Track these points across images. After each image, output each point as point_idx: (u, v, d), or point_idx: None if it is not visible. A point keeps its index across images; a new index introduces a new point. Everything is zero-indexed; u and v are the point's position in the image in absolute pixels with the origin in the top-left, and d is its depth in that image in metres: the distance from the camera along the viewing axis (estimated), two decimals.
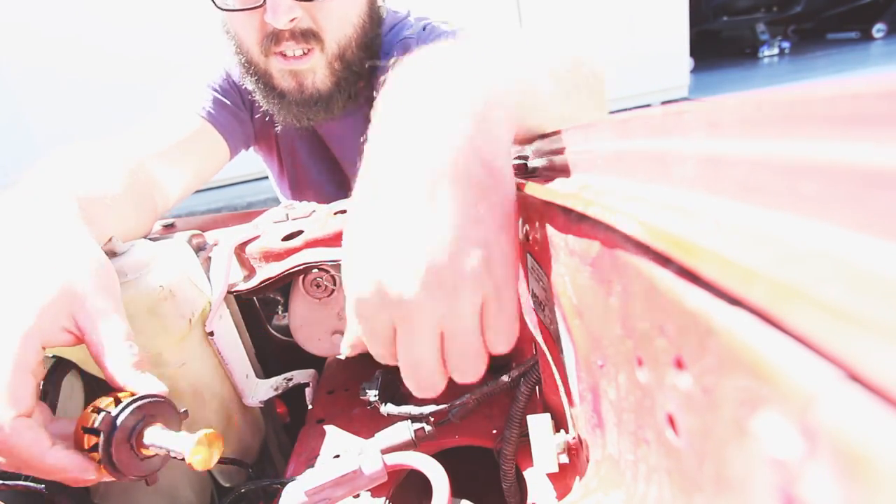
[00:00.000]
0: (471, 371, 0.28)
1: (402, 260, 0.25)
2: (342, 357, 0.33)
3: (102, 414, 0.31)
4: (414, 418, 0.43)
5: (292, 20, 0.64)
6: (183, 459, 0.31)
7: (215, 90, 0.78)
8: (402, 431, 0.42)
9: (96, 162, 0.50)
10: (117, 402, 0.32)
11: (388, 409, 0.44)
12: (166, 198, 0.62)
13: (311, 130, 0.86)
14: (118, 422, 0.31)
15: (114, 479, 0.32)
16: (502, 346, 0.28)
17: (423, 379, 0.28)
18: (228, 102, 0.79)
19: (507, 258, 0.26)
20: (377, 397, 0.45)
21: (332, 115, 0.76)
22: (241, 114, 0.81)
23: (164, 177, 0.62)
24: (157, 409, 0.33)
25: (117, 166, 0.52)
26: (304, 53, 0.68)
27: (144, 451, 0.32)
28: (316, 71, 0.70)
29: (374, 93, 0.31)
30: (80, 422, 0.32)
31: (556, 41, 0.41)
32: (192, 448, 0.31)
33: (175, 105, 0.75)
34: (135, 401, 0.32)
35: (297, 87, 0.71)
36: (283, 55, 0.68)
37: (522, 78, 0.32)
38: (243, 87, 0.80)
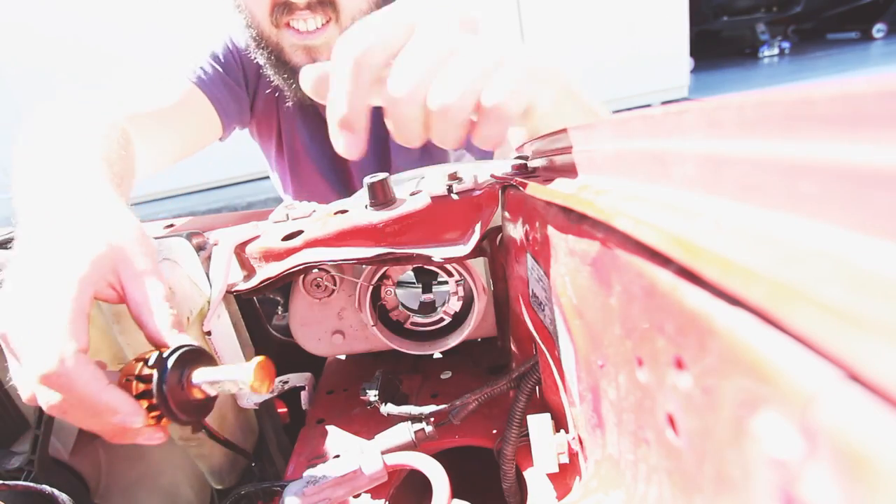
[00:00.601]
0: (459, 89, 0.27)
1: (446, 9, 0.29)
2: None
3: (155, 356, 0.32)
4: (414, 418, 0.43)
5: None
6: (238, 390, 0.31)
7: (215, 60, 0.76)
8: (403, 433, 0.42)
9: (79, 125, 0.48)
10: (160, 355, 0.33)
11: (388, 409, 0.44)
12: (139, 167, 0.58)
13: (315, 112, 0.84)
14: (169, 363, 0.31)
15: (159, 425, 0.32)
16: (493, 103, 0.28)
17: (419, 77, 0.28)
18: (227, 76, 0.76)
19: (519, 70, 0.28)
20: (377, 397, 0.45)
21: None
22: (240, 91, 0.79)
23: (141, 143, 0.58)
24: (198, 357, 0.34)
25: (94, 128, 0.49)
26: (319, 28, 0.66)
27: (195, 393, 0.33)
28: (330, 45, 0.68)
29: None
30: (124, 372, 0.32)
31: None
32: (254, 371, 0.31)
33: (168, 69, 0.73)
34: (180, 348, 0.33)
35: (309, 63, 0.70)
36: (297, 29, 0.66)
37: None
38: (247, 64, 0.79)
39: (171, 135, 0.66)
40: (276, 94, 0.83)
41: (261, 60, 0.73)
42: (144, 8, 2.75)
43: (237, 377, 0.31)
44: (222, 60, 0.77)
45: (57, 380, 0.29)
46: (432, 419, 0.43)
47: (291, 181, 0.91)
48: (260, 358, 0.32)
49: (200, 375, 0.32)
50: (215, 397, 0.34)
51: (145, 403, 0.32)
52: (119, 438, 0.33)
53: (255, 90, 0.82)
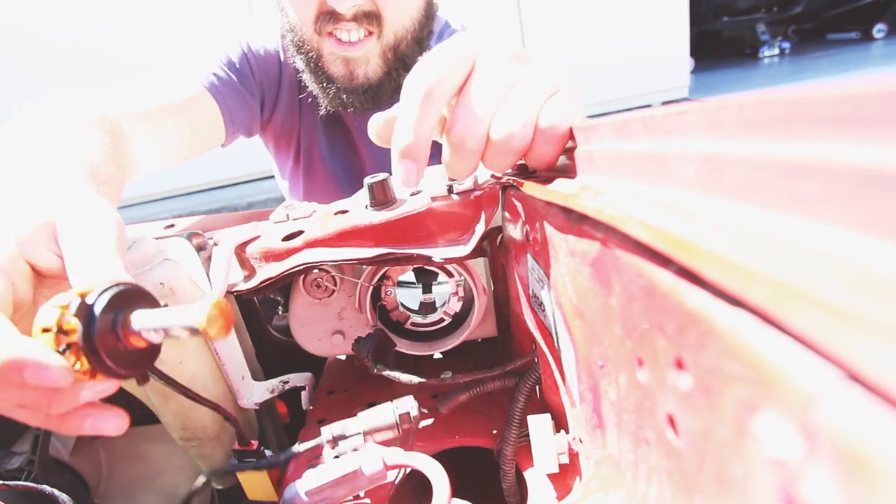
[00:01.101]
0: (517, 125, 0.29)
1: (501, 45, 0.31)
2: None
3: (76, 302, 0.25)
4: (402, 381, 0.42)
5: (355, 4, 0.63)
6: (189, 336, 0.25)
7: (230, 67, 0.75)
8: (387, 414, 0.41)
9: (75, 125, 0.46)
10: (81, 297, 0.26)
11: (379, 369, 0.43)
12: (136, 164, 0.55)
13: (338, 121, 0.84)
14: (97, 308, 0.25)
15: (93, 379, 0.26)
16: (548, 126, 0.29)
17: (475, 119, 0.29)
18: (240, 84, 0.75)
19: (571, 98, 0.30)
20: (370, 356, 0.44)
21: (378, 105, 0.73)
22: (251, 101, 0.78)
23: (139, 140, 0.56)
24: (134, 298, 0.27)
25: (75, 126, 0.45)
26: (360, 39, 0.66)
27: (134, 342, 0.26)
28: (369, 60, 0.69)
29: None
30: (39, 324, 0.25)
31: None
32: (208, 311, 0.24)
33: (180, 70, 0.72)
34: (112, 287, 0.26)
35: (347, 74, 0.70)
36: (339, 39, 0.66)
37: None
38: (265, 75, 0.78)
39: (176, 134, 0.65)
40: (300, 101, 0.82)
41: (299, 65, 0.73)
42: (146, 10, 2.75)
43: (187, 320, 0.25)
44: (237, 68, 0.76)
45: None
46: (422, 410, 0.43)
47: (304, 191, 0.91)
48: (216, 297, 0.25)
49: (140, 320, 0.26)
50: (159, 345, 0.28)
51: (73, 359, 0.25)
52: (56, 411, 0.27)
53: (275, 99, 0.82)
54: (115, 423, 0.29)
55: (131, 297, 0.27)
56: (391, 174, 0.44)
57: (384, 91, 0.72)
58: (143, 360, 0.28)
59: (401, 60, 0.71)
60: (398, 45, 0.69)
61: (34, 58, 2.77)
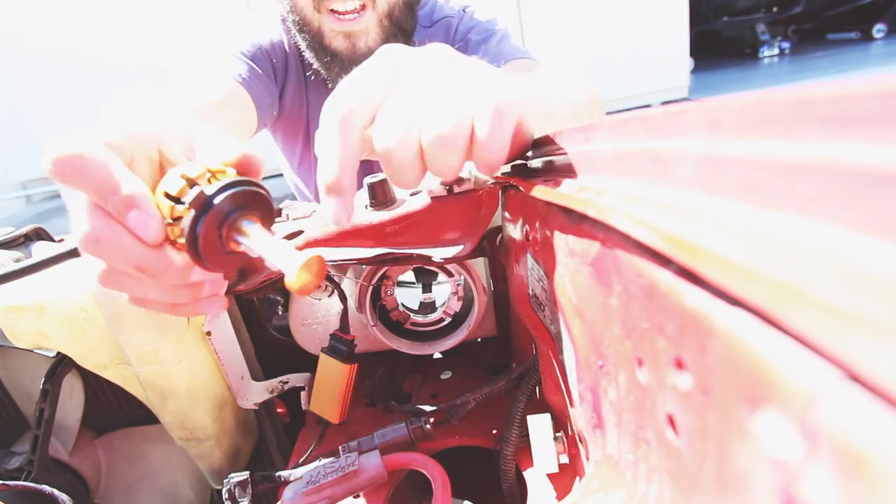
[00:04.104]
0: (447, 157, 0.27)
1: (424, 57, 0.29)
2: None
3: (194, 192, 0.26)
4: (415, 414, 0.43)
5: None
6: (275, 276, 0.26)
7: (248, 57, 0.78)
8: (400, 430, 0.42)
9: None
10: (210, 179, 0.27)
11: (390, 407, 0.44)
12: None
13: None
14: (214, 201, 0.26)
15: (184, 269, 0.28)
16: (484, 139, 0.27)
17: (402, 149, 0.27)
18: (261, 72, 0.79)
19: (509, 104, 0.27)
20: (379, 395, 0.45)
21: None
22: (271, 85, 0.81)
23: None
24: (256, 200, 0.28)
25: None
26: (357, 10, 0.69)
27: (233, 245, 0.28)
28: (369, 31, 0.72)
29: None
30: (161, 186, 0.27)
31: (571, 77, 0.49)
32: (301, 266, 0.25)
33: (210, 69, 0.75)
34: (235, 184, 0.27)
35: (349, 47, 0.73)
36: (336, 13, 0.69)
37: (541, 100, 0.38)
38: (275, 58, 0.81)
39: (224, 127, 0.68)
40: (306, 86, 0.85)
41: (302, 45, 0.76)
42: (144, 9, 2.75)
43: (281, 266, 0.26)
44: (253, 57, 0.79)
45: (72, 160, 0.25)
46: (432, 419, 0.43)
47: (313, 176, 0.93)
48: (314, 254, 0.26)
49: (246, 240, 0.27)
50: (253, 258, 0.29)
51: (177, 232, 0.27)
52: (168, 282, 0.29)
53: (283, 84, 0.84)
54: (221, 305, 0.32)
55: (251, 198, 0.28)
56: None
57: None
58: (236, 260, 0.29)
59: (397, 26, 0.74)
60: (392, 12, 0.72)
61: (37, 61, 2.76)
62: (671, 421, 0.17)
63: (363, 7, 0.70)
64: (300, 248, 0.43)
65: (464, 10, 0.85)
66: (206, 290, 0.32)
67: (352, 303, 0.49)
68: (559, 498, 0.38)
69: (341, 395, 0.46)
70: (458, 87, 0.28)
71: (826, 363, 0.09)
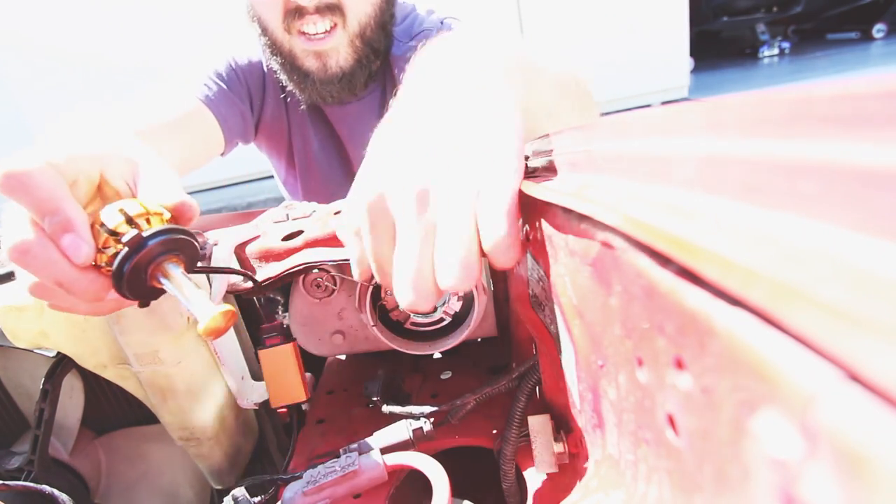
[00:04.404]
0: (455, 270, 0.27)
1: (405, 170, 0.28)
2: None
3: (131, 234, 0.29)
4: (415, 417, 0.43)
5: None
6: (189, 319, 0.30)
7: (219, 78, 0.78)
8: (401, 431, 0.42)
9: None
10: (148, 219, 0.30)
11: (390, 408, 0.44)
12: None
13: (324, 119, 0.86)
14: (148, 243, 0.29)
15: (102, 291, 0.30)
16: (491, 247, 0.27)
17: (417, 279, 0.28)
18: (230, 92, 0.79)
19: (501, 192, 0.27)
20: (379, 396, 0.45)
21: (354, 93, 0.77)
22: (243, 107, 0.81)
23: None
24: (184, 247, 0.31)
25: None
26: (327, 31, 0.69)
27: (154, 283, 0.30)
28: (339, 49, 0.72)
29: (388, 78, 0.34)
30: (100, 216, 0.30)
31: (556, 56, 0.48)
32: (214, 315, 0.28)
33: (174, 85, 0.75)
34: (169, 231, 0.30)
35: (321, 67, 0.73)
36: (306, 35, 0.69)
37: (529, 67, 0.37)
38: (251, 81, 0.81)
39: (179, 147, 0.68)
40: (286, 105, 0.85)
41: (274, 66, 0.76)
42: (144, 9, 2.75)
43: (195, 312, 0.29)
44: (225, 78, 0.79)
45: (19, 178, 0.29)
46: (432, 419, 0.43)
47: (302, 192, 0.93)
48: (228, 308, 0.29)
49: (168, 282, 0.30)
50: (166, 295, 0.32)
51: (104, 258, 0.29)
52: (84, 297, 0.31)
53: (261, 104, 0.85)
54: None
55: (181, 244, 0.31)
56: None
57: (357, 77, 0.76)
58: (152, 294, 0.31)
59: (369, 46, 0.74)
60: (364, 32, 0.72)
61: (36, 61, 2.76)
62: (671, 421, 0.17)
63: (334, 26, 0.69)
64: (300, 248, 0.43)
65: (441, 23, 0.84)
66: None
67: (352, 302, 0.49)
68: (559, 498, 0.38)
69: (296, 372, 0.46)
70: (445, 192, 0.27)
71: (826, 363, 0.09)
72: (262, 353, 0.46)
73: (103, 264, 0.30)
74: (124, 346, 0.44)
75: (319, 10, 0.67)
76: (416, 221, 0.27)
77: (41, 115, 2.79)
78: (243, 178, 3.13)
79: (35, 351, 0.50)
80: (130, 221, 0.29)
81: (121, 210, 0.30)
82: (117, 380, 0.47)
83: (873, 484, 0.08)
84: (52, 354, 0.49)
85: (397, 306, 0.50)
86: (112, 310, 0.34)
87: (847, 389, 0.09)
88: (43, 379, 0.47)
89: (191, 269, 0.32)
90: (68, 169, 0.31)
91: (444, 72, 0.32)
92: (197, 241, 0.32)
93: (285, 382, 0.46)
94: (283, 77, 0.77)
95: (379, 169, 0.29)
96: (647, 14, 3.07)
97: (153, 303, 0.41)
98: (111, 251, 0.29)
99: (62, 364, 0.48)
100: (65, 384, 0.49)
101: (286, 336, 0.46)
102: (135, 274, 0.29)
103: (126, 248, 0.29)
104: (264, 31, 0.72)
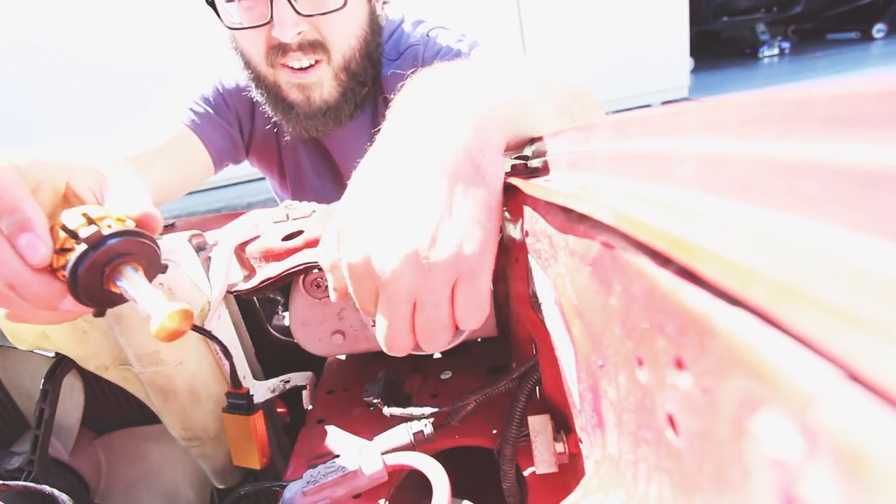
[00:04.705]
0: (433, 340, 0.31)
1: (390, 239, 0.29)
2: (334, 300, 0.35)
3: (89, 230, 0.28)
4: (416, 419, 0.43)
5: (299, 33, 0.65)
6: (146, 318, 0.28)
7: (205, 102, 0.78)
8: (402, 434, 0.42)
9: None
10: (110, 224, 0.29)
11: (391, 410, 0.44)
12: None
13: (316, 144, 0.86)
14: (107, 242, 0.28)
15: (56, 297, 0.29)
16: (470, 324, 0.31)
17: (392, 338, 0.31)
18: (217, 116, 0.79)
19: (482, 248, 0.30)
20: (380, 398, 0.45)
21: (340, 125, 0.77)
22: (231, 130, 0.81)
23: (142, 180, 0.60)
24: (145, 252, 0.30)
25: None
26: (311, 65, 0.69)
27: (111, 286, 0.29)
28: (323, 83, 0.71)
29: (379, 98, 0.34)
30: (61, 218, 0.29)
31: (553, 66, 0.47)
32: (168, 314, 0.27)
33: (159, 111, 0.75)
34: (130, 232, 0.29)
35: (305, 100, 0.72)
36: (291, 68, 0.69)
37: (518, 100, 0.37)
38: (238, 104, 0.81)
39: (166, 172, 0.69)
40: (276, 129, 0.85)
41: (259, 98, 0.76)
42: (144, 11, 2.75)
43: (151, 313, 0.28)
44: (212, 102, 0.79)
45: None
46: (432, 420, 0.43)
47: None
48: (184, 307, 0.28)
49: (125, 283, 0.29)
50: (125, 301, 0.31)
51: (61, 260, 0.28)
52: (35, 303, 0.29)
53: (250, 128, 0.85)
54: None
55: (141, 248, 0.30)
56: None
57: (343, 110, 0.75)
58: (110, 300, 0.30)
59: (354, 79, 0.73)
60: (348, 66, 0.72)
61: (37, 61, 2.76)
62: (671, 421, 0.17)
63: (317, 62, 0.69)
64: (300, 248, 0.43)
65: (428, 35, 0.82)
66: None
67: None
68: (559, 498, 0.38)
69: (255, 442, 0.46)
70: (429, 269, 0.29)
71: (826, 363, 0.09)
72: (226, 416, 0.46)
73: (60, 267, 0.29)
74: (125, 347, 0.44)
75: (302, 48, 0.67)
76: (400, 298, 0.29)
77: (41, 115, 2.79)
78: (243, 178, 3.13)
79: (35, 351, 0.50)
80: (91, 223, 0.28)
81: (83, 213, 0.29)
82: (119, 381, 0.47)
83: (873, 484, 0.08)
84: (51, 354, 0.49)
85: None
86: (64, 319, 0.33)
87: (847, 389, 0.09)
88: (43, 379, 0.47)
89: (151, 278, 0.31)
90: (32, 173, 0.30)
91: (423, 112, 0.33)
92: (159, 249, 0.31)
93: (243, 448, 0.47)
94: (268, 108, 0.76)
95: (363, 224, 0.30)
96: (647, 14, 3.07)
97: None
98: (70, 255, 0.28)
99: (62, 364, 0.48)
100: (65, 384, 0.49)
101: (250, 407, 0.47)
102: (91, 274, 0.28)
103: (84, 245, 0.28)
104: (247, 65, 0.72)
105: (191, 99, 0.77)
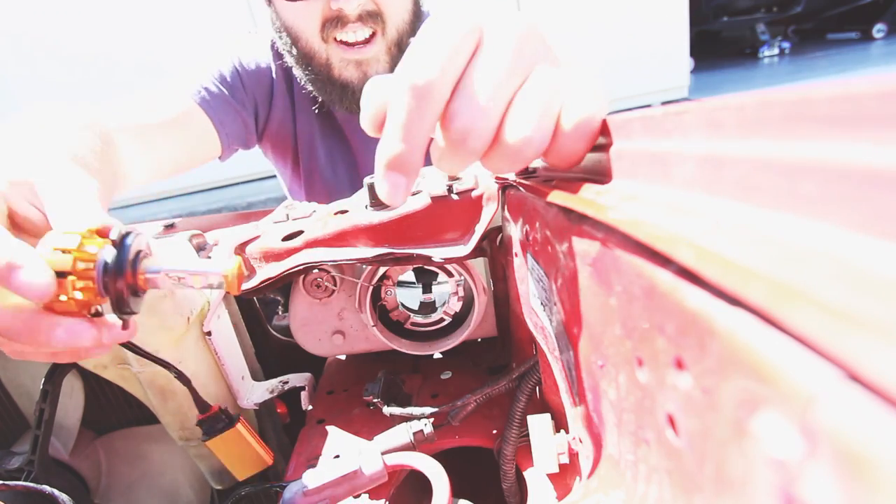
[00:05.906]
0: (531, 127, 0.23)
1: (507, 20, 0.24)
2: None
3: (103, 247, 0.26)
4: (416, 418, 0.43)
5: (360, 4, 0.65)
6: (201, 286, 0.27)
7: (222, 82, 0.76)
8: (402, 434, 0.42)
9: (63, 124, 0.45)
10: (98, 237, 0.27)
11: (391, 410, 0.44)
12: (128, 174, 0.53)
13: (335, 129, 0.85)
14: (129, 241, 0.26)
15: (70, 314, 0.26)
16: (572, 126, 0.23)
17: (483, 112, 0.23)
18: (231, 98, 0.77)
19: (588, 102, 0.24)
20: (380, 398, 0.45)
21: None
22: (245, 114, 0.79)
23: (132, 152, 0.55)
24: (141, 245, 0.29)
25: (80, 130, 0.44)
26: (367, 39, 0.68)
27: (142, 283, 0.28)
28: (379, 58, 0.71)
29: None
30: (47, 244, 0.25)
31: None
32: (236, 266, 0.26)
33: (172, 85, 0.73)
34: (134, 231, 0.27)
35: (361, 77, 0.72)
36: (346, 43, 0.68)
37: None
38: (256, 88, 0.80)
39: (169, 147, 0.66)
40: (294, 115, 0.84)
41: (304, 79, 0.74)
42: (144, 9, 2.75)
43: (214, 269, 0.26)
44: (229, 82, 0.77)
45: None
46: (432, 420, 0.43)
47: (306, 197, 0.93)
48: (237, 258, 0.27)
49: (159, 264, 0.27)
50: (144, 292, 0.29)
51: (69, 287, 0.25)
52: (25, 340, 0.26)
53: (267, 112, 0.83)
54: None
55: (140, 241, 0.28)
56: None
57: None
58: (133, 306, 0.28)
59: (403, 55, 0.73)
60: (401, 40, 0.71)
61: (37, 61, 2.76)
62: (671, 421, 0.17)
63: (373, 34, 0.68)
64: (300, 248, 0.43)
65: None
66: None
67: (352, 302, 0.49)
68: (559, 498, 0.38)
69: (250, 445, 0.46)
70: (547, 72, 0.24)
71: (826, 363, 0.09)
72: (210, 443, 0.45)
73: (72, 291, 0.26)
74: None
75: (361, 18, 0.66)
76: (514, 56, 0.23)
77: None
78: (243, 178, 3.13)
79: None
80: (85, 240, 0.26)
81: (68, 233, 0.26)
82: (118, 380, 0.47)
83: (873, 484, 0.08)
84: None
85: (397, 306, 0.50)
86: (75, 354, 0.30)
87: (847, 389, 0.09)
88: (43, 379, 0.47)
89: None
90: None
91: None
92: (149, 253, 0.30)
93: (245, 457, 0.46)
94: (314, 89, 0.75)
95: (470, 7, 0.24)
96: (647, 14, 3.07)
97: (153, 303, 0.41)
98: (82, 266, 0.26)
99: (62, 364, 0.48)
100: (65, 384, 0.49)
101: (229, 420, 0.45)
102: (124, 282, 0.26)
103: (111, 247, 0.26)
104: (296, 42, 0.71)
105: (206, 77, 0.75)
